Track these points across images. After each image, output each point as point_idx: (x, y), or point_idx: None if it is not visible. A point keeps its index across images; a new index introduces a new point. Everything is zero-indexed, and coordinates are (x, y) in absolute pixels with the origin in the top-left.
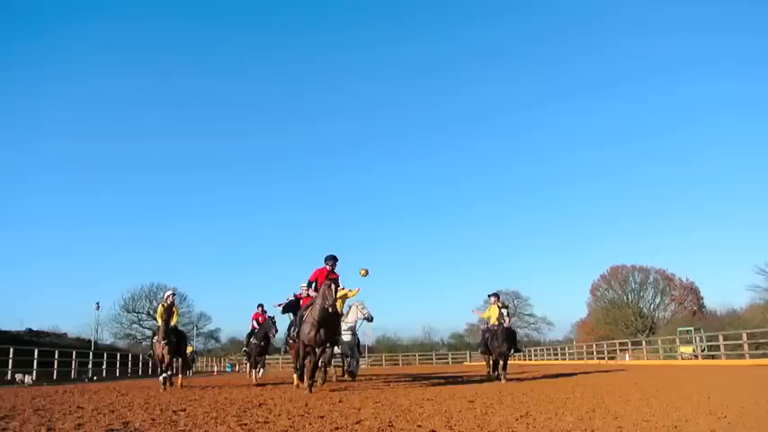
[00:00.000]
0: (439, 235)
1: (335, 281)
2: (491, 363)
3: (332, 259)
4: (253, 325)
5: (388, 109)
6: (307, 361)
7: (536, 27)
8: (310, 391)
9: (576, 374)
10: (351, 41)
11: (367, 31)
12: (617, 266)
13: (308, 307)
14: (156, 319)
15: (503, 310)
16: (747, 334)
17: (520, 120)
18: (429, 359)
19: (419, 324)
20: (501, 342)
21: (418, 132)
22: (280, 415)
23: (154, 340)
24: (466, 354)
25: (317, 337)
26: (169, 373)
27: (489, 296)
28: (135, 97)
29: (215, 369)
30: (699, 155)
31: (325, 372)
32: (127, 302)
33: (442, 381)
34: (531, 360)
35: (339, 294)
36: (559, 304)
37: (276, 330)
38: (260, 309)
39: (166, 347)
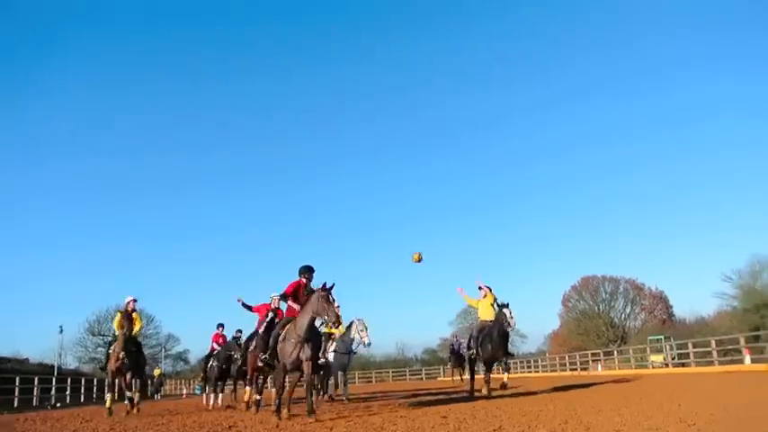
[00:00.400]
0: (409, 249)
1: (330, 293)
2: (466, 372)
3: (308, 271)
4: (212, 347)
5: (328, 131)
6: (285, 385)
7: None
8: (279, 418)
9: (550, 389)
10: (358, 46)
11: (369, 36)
12: (588, 277)
13: (286, 323)
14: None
15: (504, 310)
16: (716, 341)
17: (489, 132)
18: (403, 375)
19: (392, 340)
20: (497, 344)
21: (389, 148)
22: None
23: (109, 351)
24: (440, 369)
25: (300, 357)
26: (128, 395)
27: (480, 288)
28: (93, 115)
29: (184, 392)
30: (666, 164)
31: (318, 392)
32: (92, 325)
33: (423, 398)
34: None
35: (326, 330)
36: (532, 316)
37: (242, 354)
38: (220, 329)
39: (124, 361)
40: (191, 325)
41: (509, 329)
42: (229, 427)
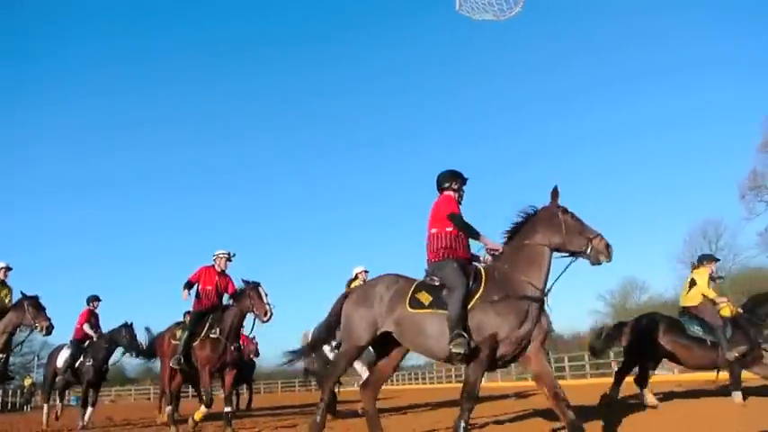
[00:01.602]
0: (288, 256)
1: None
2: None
3: (457, 179)
4: (81, 331)
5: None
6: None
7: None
8: None
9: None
10: (334, 47)
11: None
12: None
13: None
14: None
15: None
16: (589, 355)
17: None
18: (292, 386)
19: (279, 350)
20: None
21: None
22: None
23: None
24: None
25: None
26: None
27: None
28: None
29: (57, 403)
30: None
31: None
32: None
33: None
34: (393, 385)
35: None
36: None
37: (138, 346)
38: (93, 305)
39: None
40: (67, 331)
41: None
42: None
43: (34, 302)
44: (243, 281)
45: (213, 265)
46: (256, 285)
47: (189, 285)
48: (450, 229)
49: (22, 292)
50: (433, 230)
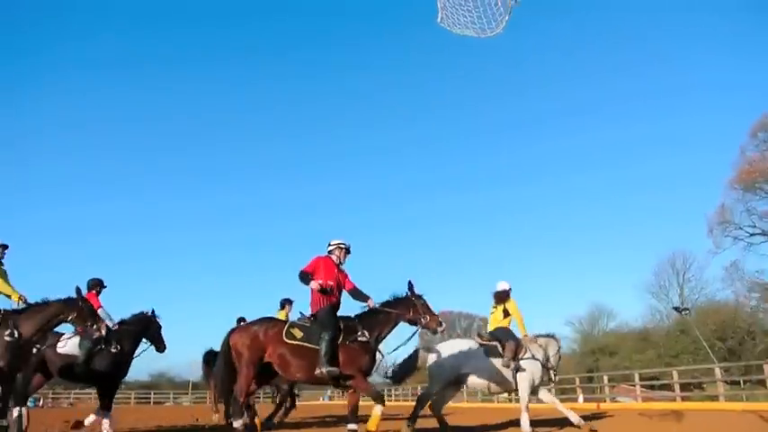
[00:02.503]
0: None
1: None
2: None
3: None
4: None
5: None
6: None
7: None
8: None
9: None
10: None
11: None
12: (445, 312)
13: None
14: None
15: None
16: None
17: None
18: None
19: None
20: None
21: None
22: None
23: None
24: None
25: None
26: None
27: None
28: None
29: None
30: (514, 215)
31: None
32: None
33: None
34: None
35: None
36: (391, 348)
37: (163, 342)
38: (98, 288)
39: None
40: None
41: None
42: None
43: (89, 305)
44: (410, 290)
45: (330, 257)
46: (420, 296)
47: (305, 278)
48: None
49: (78, 288)
50: None
